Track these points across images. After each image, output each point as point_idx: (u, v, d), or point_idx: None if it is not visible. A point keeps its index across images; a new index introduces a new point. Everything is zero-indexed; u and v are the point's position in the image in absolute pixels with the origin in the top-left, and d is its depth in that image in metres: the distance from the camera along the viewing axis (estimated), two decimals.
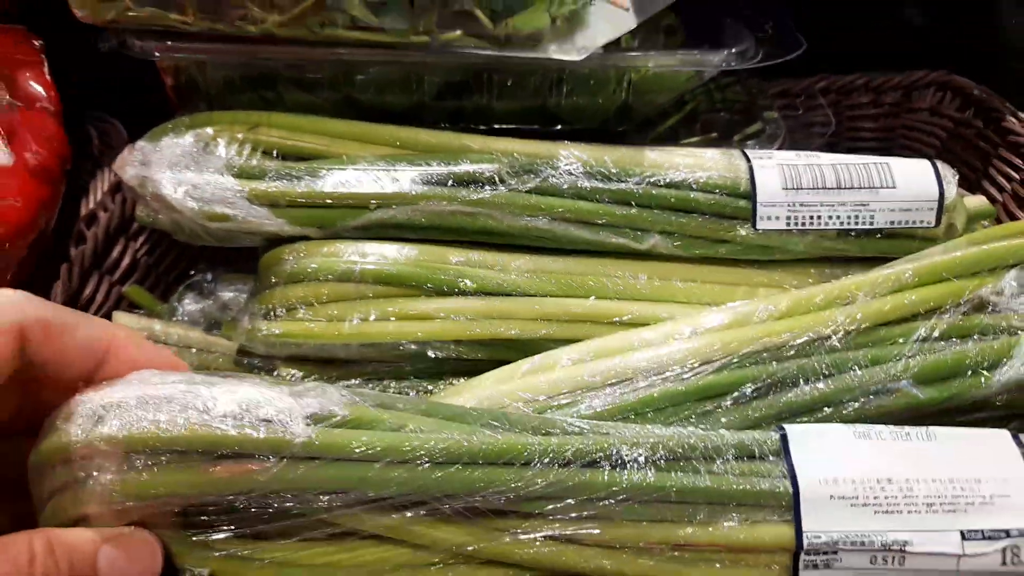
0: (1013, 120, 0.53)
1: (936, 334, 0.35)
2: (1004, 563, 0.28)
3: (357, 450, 0.27)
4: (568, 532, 0.29)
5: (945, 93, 0.57)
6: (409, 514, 0.28)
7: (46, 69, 0.46)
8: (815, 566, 0.29)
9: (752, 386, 0.34)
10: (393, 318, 0.39)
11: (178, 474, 0.26)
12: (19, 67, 0.45)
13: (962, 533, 0.29)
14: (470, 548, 0.28)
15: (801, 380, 0.34)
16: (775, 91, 0.55)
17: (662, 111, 0.52)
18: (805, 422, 0.34)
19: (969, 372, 0.34)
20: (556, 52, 0.42)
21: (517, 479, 0.28)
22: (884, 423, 0.32)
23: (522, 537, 0.28)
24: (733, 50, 0.45)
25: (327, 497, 0.27)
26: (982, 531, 0.29)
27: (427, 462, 0.28)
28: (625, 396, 0.34)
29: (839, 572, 0.29)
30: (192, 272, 0.49)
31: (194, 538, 0.27)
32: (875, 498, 0.29)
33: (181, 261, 0.52)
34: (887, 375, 0.34)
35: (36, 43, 0.47)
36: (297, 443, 0.27)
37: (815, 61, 0.50)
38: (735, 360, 0.34)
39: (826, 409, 0.34)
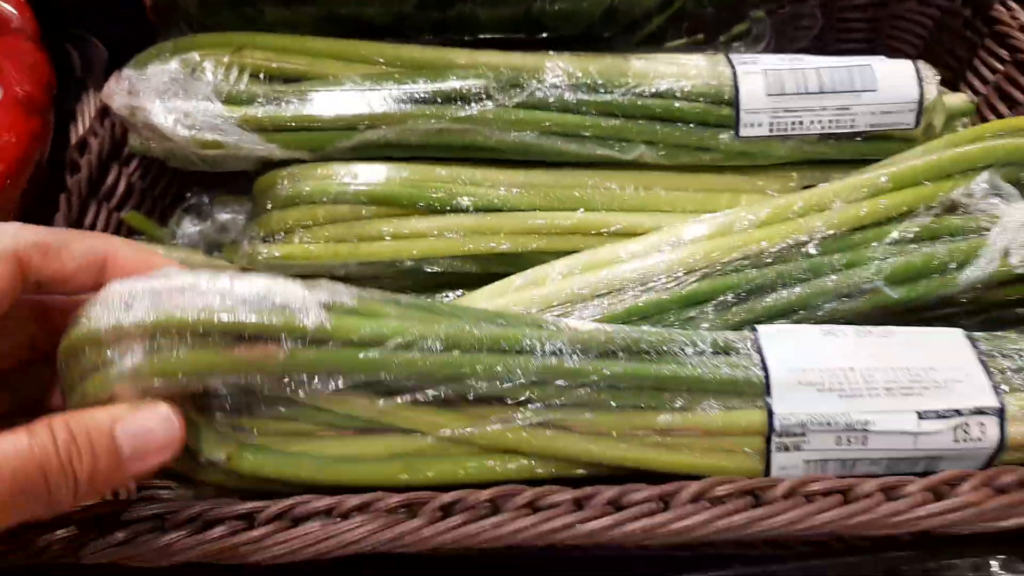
0: (1001, 8, 0.52)
1: (908, 236, 0.36)
2: (956, 440, 0.31)
3: (366, 335, 0.29)
4: (557, 419, 0.31)
5: None
6: (409, 398, 0.30)
7: None
8: (786, 448, 0.31)
9: (732, 293, 0.36)
10: (388, 237, 0.40)
11: (200, 355, 0.28)
12: None
13: (918, 413, 0.31)
14: (467, 430, 0.31)
15: (779, 285, 0.36)
16: None
17: (647, 12, 0.51)
18: (781, 323, 0.35)
19: (938, 272, 0.36)
20: None
21: (513, 365, 0.30)
22: (854, 322, 0.34)
23: (515, 423, 0.31)
24: None
25: (336, 380, 0.29)
26: (936, 411, 0.31)
27: (429, 348, 0.30)
28: (613, 306, 0.36)
29: (807, 454, 0.31)
30: (187, 195, 0.49)
31: (209, 428, 0.30)
32: (839, 384, 0.31)
33: (174, 184, 0.52)
34: (860, 278, 0.36)
35: None
36: (310, 327, 0.29)
37: None
38: (717, 268, 0.36)
39: (801, 311, 0.36)
